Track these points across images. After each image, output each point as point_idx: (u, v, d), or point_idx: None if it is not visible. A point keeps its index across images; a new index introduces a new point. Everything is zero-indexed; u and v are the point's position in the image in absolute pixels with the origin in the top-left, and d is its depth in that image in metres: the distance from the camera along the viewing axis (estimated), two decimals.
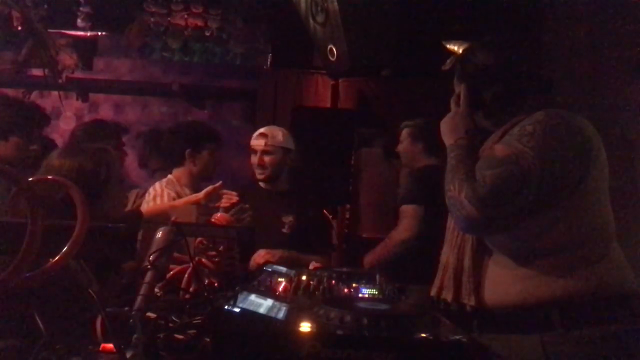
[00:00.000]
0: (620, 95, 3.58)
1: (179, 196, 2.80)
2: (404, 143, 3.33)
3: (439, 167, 2.97)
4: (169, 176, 2.95)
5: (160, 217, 2.42)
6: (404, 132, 3.35)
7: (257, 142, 2.91)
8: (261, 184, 2.95)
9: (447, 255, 1.70)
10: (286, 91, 5.00)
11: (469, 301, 1.60)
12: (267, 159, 2.87)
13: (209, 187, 2.53)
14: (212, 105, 5.81)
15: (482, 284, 1.61)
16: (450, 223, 1.71)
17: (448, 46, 1.84)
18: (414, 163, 3.28)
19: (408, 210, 3.00)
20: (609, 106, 3.69)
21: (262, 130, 2.96)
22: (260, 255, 2.58)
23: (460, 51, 1.78)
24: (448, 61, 1.79)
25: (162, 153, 3.27)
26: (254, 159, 2.90)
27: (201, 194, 2.54)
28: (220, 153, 3.05)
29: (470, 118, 1.68)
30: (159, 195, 2.79)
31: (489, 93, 1.67)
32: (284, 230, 2.79)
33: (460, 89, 1.74)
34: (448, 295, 1.64)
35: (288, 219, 2.79)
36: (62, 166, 1.89)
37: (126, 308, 1.27)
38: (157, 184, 2.89)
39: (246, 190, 2.88)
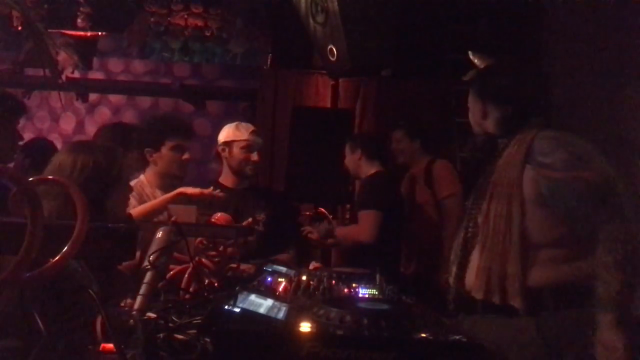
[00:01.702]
0: (620, 95, 3.58)
1: (142, 201, 2.58)
2: (348, 157, 3.54)
3: (384, 172, 3.42)
4: (141, 177, 2.73)
5: (149, 217, 2.35)
6: (348, 146, 3.56)
7: (256, 139, 2.85)
8: (227, 182, 2.86)
9: (488, 260, 1.81)
10: (286, 91, 5.00)
11: (516, 302, 1.74)
12: (260, 156, 2.88)
13: (207, 190, 2.42)
14: (212, 105, 5.81)
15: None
16: (488, 232, 1.84)
17: (473, 58, 2.16)
18: (359, 173, 3.50)
19: (366, 216, 3.22)
20: (608, 106, 3.69)
21: (251, 126, 2.89)
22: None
23: (482, 66, 2.01)
24: (469, 73, 2.13)
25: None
26: (254, 157, 2.83)
27: (197, 190, 2.41)
28: (189, 147, 2.77)
29: None
30: None
31: (500, 111, 1.92)
32: (259, 228, 2.67)
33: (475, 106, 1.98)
34: (495, 299, 1.77)
35: (260, 216, 2.71)
36: (75, 161, 1.87)
37: (126, 308, 1.27)
38: None
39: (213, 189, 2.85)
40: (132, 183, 2.60)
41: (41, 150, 3.55)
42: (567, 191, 1.73)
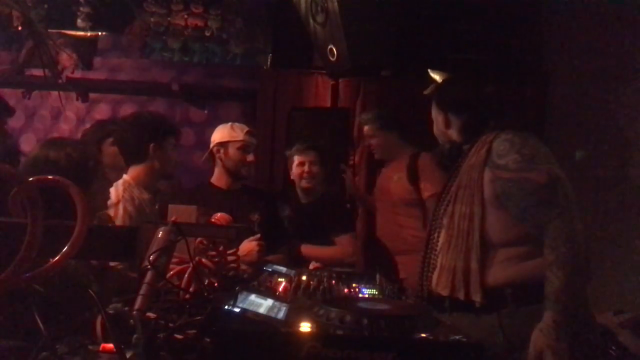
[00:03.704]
0: (619, 95, 3.57)
1: (134, 204, 2.48)
2: (317, 166, 3.29)
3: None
4: (124, 176, 2.57)
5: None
6: (313, 154, 3.31)
7: (251, 139, 2.84)
8: (220, 183, 2.85)
9: (453, 260, 1.92)
10: (286, 91, 4.99)
11: (477, 298, 1.85)
12: (255, 157, 2.88)
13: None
14: (212, 105, 5.80)
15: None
16: (453, 232, 1.94)
17: (431, 74, 2.37)
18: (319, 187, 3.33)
19: (345, 239, 3.15)
20: (607, 106, 3.68)
21: (245, 127, 2.88)
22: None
23: (440, 80, 2.19)
24: (430, 87, 2.27)
25: (121, 147, 2.78)
26: (250, 157, 2.83)
27: None
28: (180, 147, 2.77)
29: None
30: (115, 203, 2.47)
31: (461, 119, 2.08)
32: (255, 229, 2.62)
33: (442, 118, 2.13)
34: (460, 295, 1.88)
35: (255, 216, 2.69)
36: (47, 156, 1.89)
37: (126, 308, 1.27)
38: (114, 189, 2.52)
39: (203, 190, 2.82)
40: (120, 182, 2.55)
41: None
42: (516, 191, 1.84)
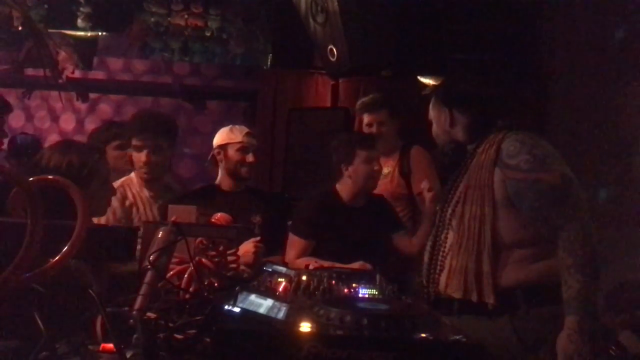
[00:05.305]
0: (620, 95, 3.58)
1: (123, 203, 2.61)
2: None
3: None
4: (132, 175, 2.76)
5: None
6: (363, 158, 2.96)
7: (251, 140, 2.86)
8: (224, 185, 2.87)
9: (464, 261, 1.88)
10: (286, 91, 5.00)
11: (490, 300, 1.83)
12: (256, 157, 2.87)
13: None
14: (212, 105, 5.81)
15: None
16: (463, 233, 1.90)
17: (422, 79, 2.24)
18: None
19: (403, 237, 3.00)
20: (608, 106, 3.69)
21: (245, 128, 2.90)
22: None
23: (435, 83, 2.13)
24: (427, 89, 2.22)
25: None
26: (249, 158, 2.84)
27: None
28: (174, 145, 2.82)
29: None
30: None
31: (467, 117, 2.02)
32: (256, 232, 2.64)
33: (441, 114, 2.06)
34: (473, 297, 1.85)
35: (256, 218, 2.70)
36: (49, 161, 1.91)
37: (126, 308, 1.27)
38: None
39: (207, 193, 2.83)
40: (121, 180, 2.67)
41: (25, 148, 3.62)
42: (529, 192, 1.82)
